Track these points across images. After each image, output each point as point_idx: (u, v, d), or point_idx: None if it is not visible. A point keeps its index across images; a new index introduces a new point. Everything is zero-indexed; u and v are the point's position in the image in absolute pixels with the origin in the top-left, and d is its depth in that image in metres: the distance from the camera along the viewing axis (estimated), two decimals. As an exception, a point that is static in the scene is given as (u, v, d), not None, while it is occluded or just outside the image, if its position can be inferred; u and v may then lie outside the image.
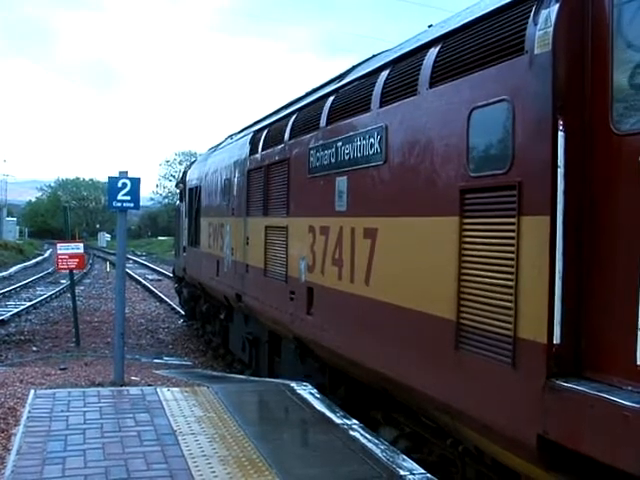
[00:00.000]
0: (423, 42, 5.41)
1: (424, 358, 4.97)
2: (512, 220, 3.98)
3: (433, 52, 5.12)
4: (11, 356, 13.91)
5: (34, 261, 46.58)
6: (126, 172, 8.46)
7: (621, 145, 3.48)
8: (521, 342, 3.89)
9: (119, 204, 8.35)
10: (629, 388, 3.31)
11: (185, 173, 17.95)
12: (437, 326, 4.75)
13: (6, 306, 21.04)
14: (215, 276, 12.50)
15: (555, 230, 3.64)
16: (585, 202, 3.65)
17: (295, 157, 8.00)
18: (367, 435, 5.69)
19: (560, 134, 3.63)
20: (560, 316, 3.63)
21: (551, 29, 3.75)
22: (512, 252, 3.98)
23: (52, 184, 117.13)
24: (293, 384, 7.58)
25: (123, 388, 7.60)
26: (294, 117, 8.39)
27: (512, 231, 3.98)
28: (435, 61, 5.02)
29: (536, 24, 3.88)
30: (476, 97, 4.40)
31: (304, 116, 8.02)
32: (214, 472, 4.84)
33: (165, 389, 7.46)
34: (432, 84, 5.00)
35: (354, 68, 7.53)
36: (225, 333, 13.25)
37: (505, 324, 4.03)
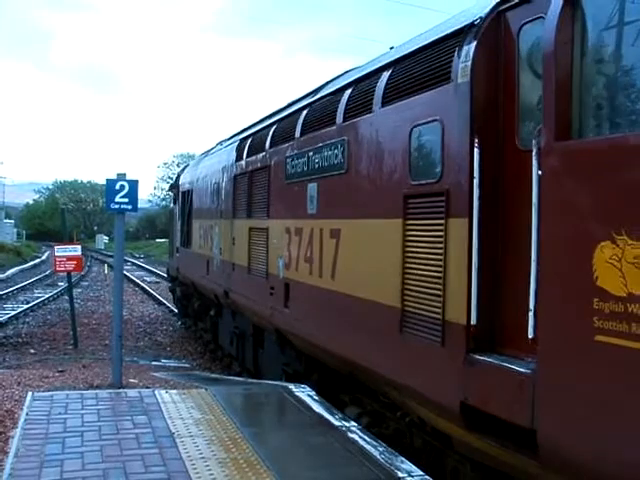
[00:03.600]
0: (378, 66, 6.16)
1: (377, 342, 5.72)
2: (441, 222, 4.73)
3: (385, 75, 5.87)
4: (9, 359, 13.80)
5: (32, 263, 46.61)
6: (124, 174, 8.53)
7: (524, 159, 4.22)
8: (448, 324, 4.64)
9: (117, 206, 8.38)
10: (524, 358, 4.05)
11: (178, 177, 18.74)
12: (386, 313, 5.50)
13: (3, 309, 21.01)
14: (205, 275, 13.25)
15: (472, 230, 4.39)
16: (497, 206, 4.40)
17: (274, 164, 8.76)
18: (365, 437, 5.72)
19: (476, 150, 4.38)
20: (476, 301, 4.37)
21: (470, 62, 4.50)
22: (441, 248, 4.73)
23: (50, 186, 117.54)
24: (291, 386, 7.61)
25: (121, 390, 7.61)
26: (274, 127, 9.15)
27: (441, 231, 4.73)
28: (386, 83, 5.78)
29: (459, 57, 4.64)
30: (416, 116, 5.15)
31: (282, 127, 8.77)
32: (212, 474, 4.86)
33: (163, 391, 7.44)
34: (384, 103, 5.75)
35: (326, 84, 8.29)
36: (215, 329, 14.01)
37: (437, 309, 4.78)
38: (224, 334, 13.05)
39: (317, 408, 6.65)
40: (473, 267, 4.38)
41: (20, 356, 14.09)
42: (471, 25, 4.67)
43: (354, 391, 7.00)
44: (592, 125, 3.67)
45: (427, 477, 4.78)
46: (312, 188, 7.31)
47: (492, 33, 4.51)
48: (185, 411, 6.54)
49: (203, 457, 5.20)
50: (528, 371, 3.90)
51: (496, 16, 4.54)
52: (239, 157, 10.76)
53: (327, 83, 8.36)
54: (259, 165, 9.51)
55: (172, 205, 20.65)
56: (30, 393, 7.18)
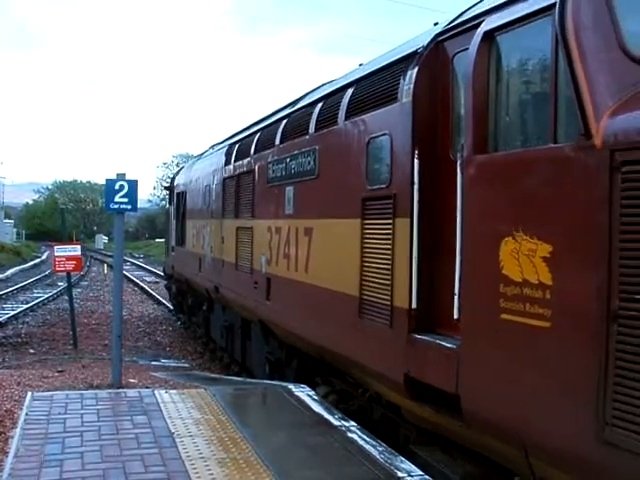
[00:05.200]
0: (344, 83, 6.94)
1: (341, 327, 6.49)
2: (390, 221, 5.51)
3: (349, 92, 6.65)
4: (8, 359, 13.70)
5: (31, 263, 46.47)
6: (124, 174, 8.53)
7: (455, 169, 4.98)
8: (395, 309, 5.42)
9: (116, 206, 8.36)
10: (452, 336, 4.82)
11: (173, 179, 19.54)
12: (348, 301, 6.27)
13: (3, 309, 20.90)
14: (198, 272, 14.04)
15: (412, 228, 5.16)
16: (433, 209, 5.17)
17: (258, 169, 9.53)
18: (365, 437, 5.74)
19: (416, 161, 5.15)
20: (416, 289, 5.15)
21: (412, 85, 5.28)
22: (390, 244, 5.51)
23: (49, 186, 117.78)
24: (291, 386, 7.64)
25: (121, 390, 7.62)
26: (258, 135, 9.93)
27: (390, 229, 5.51)
28: (349, 100, 6.55)
29: (404, 80, 5.42)
30: (371, 130, 5.93)
31: (265, 135, 9.55)
32: (212, 474, 4.87)
33: (163, 391, 7.44)
34: (347, 117, 6.53)
35: (304, 96, 9.07)
36: (207, 323, 14.79)
37: (387, 297, 5.55)
38: (215, 327, 13.83)
39: (317, 408, 6.69)
40: (413, 260, 5.16)
41: (20, 356, 14.01)
42: (414, 53, 5.45)
43: (326, 374, 7.77)
44: (501, 142, 4.43)
45: (427, 477, 4.83)
46: (289, 191, 8.09)
47: (431, 60, 5.28)
48: (185, 411, 6.57)
49: (203, 457, 5.22)
50: (453, 346, 4.68)
51: (435, 45, 5.32)
52: (228, 161, 11.53)
53: (305, 95, 9.14)
54: (245, 169, 10.28)
55: (168, 206, 21.43)
56: (30, 393, 7.21)
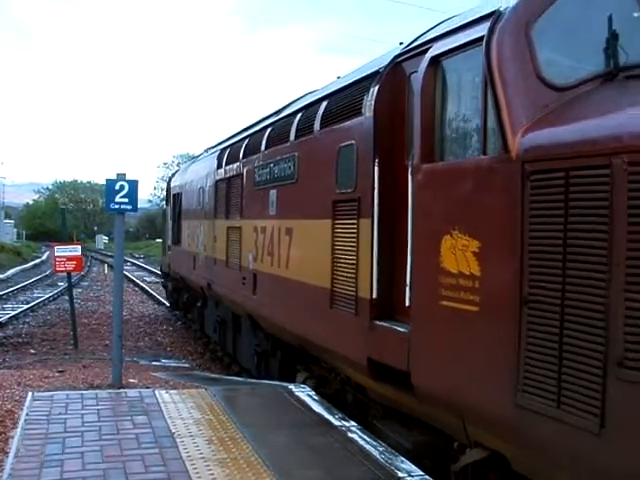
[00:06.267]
0: (321, 95, 7.64)
1: (316, 317, 7.18)
2: (355, 222, 6.19)
3: (324, 104, 7.34)
4: (9, 359, 13.66)
5: (32, 263, 46.53)
6: (124, 174, 8.53)
7: (414, 176, 5.67)
8: (359, 299, 6.10)
9: (117, 206, 8.37)
10: (406, 322, 5.50)
11: (170, 180, 20.26)
12: (322, 294, 6.95)
13: (4, 309, 20.91)
14: (193, 270, 14.74)
15: (373, 228, 5.85)
16: (391, 210, 5.86)
17: (246, 172, 10.22)
18: (365, 437, 5.78)
19: (376, 168, 5.84)
20: (376, 281, 5.84)
21: (373, 101, 5.96)
22: (355, 242, 6.19)
23: (50, 186, 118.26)
24: (291, 386, 7.70)
25: (121, 390, 7.65)
26: (247, 141, 10.63)
27: (355, 229, 6.19)
28: (324, 111, 7.24)
29: (367, 96, 6.10)
30: (341, 139, 6.61)
31: (253, 141, 10.25)
32: (212, 474, 4.90)
33: (163, 391, 7.48)
34: (321, 127, 7.22)
35: (288, 105, 9.76)
36: (201, 318, 15.50)
37: (353, 289, 6.24)
38: (209, 322, 14.52)
39: (317, 408, 6.75)
40: (374, 256, 5.85)
41: (20, 356, 14.00)
42: (377, 72, 6.14)
43: (306, 362, 8.46)
44: (444, 153, 5.12)
45: (427, 477, 4.89)
46: (273, 194, 8.78)
47: (390, 79, 5.97)
48: (185, 411, 6.62)
49: (203, 457, 5.26)
50: (406, 331, 5.37)
51: (394, 66, 6.01)
52: (219, 165, 12.23)
53: (290, 104, 9.83)
54: (235, 173, 10.98)
55: (165, 206, 22.15)
56: (30, 393, 7.24)
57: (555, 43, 4.61)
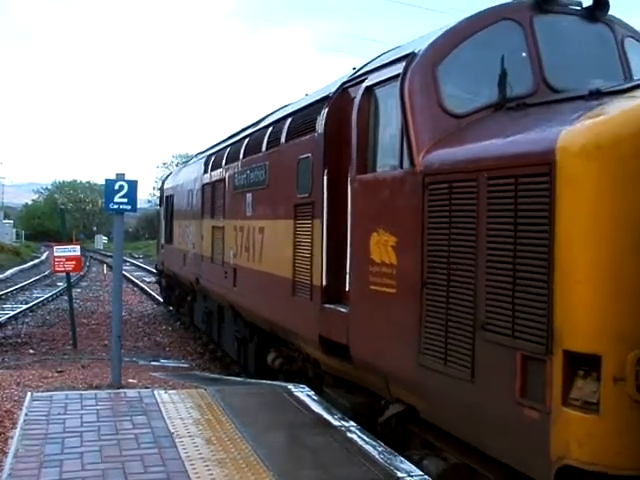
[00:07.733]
0: (288, 112, 8.82)
1: (282, 304, 8.35)
2: (310, 221, 7.37)
3: (289, 120, 8.52)
4: (8, 359, 13.66)
5: (31, 264, 46.44)
6: (123, 174, 8.55)
7: (352, 184, 6.83)
8: (313, 286, 7.28)
9: (116, 206, 8.38)
10: (347, 304, 6.67)
11: (163, 182, 21.47)
12: (286, 283, 8.13)
13: (3, 309, 20.93)
14: (183, 266, 15.94)
15: (323, 226, 7.02)
16: (337, 213, 7.02)
17: (228, 177, 11.41)
18: (365, 437, 5.80)
19: (325, 177, 7.02)
20: (326, 270, 7.02)
21: (324, 121, 7.14)
22: (310, 238, 7.37)
23: (49, 187, 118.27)
24: (290, 386, 7.75)
25: (120, 390, 7.67)
26: (229, 149, 11.82)
27: (310, 227, 7.37)
28: (288, 126, 8.43)
29: (320, 116, 7.28)
30: (300, 152, 7.79)
31: (234, 149, 11.44)
32: (212, 474, 4.91)
33: (162, 391, 7.50)
34: (287, 140, 8.40)
35: (266, 117, 10.95)
36: (191, 311, 16.70)
37: (308, 278, 7.42)
38: (198, 314, 15.72)
39: (316, 408, 6.77)
40: (323, 249, 7.03)
41: (19, 356, 14.03)
42: (327, 96, 7.32)
43: (277, 345, 9.64)
44: (374, 166, 6.29)
45: (426, 477, 4.94)
46: (249, 197, 9.97)
47: (338, 102, 7.15)
48: (184, 411, 6.64)
49: (202, 457, 5.27)
50: (346, 311, 6.55)
51: (342, 91, 7.19)
52: (206, 170, 13.43)
53: (266, 117, 11.02)
54: (219, 177, 12.17)
55: (159, 207, 23.34)
56: (29, 393, 7.27)
57: (456, 80, 5.79)
